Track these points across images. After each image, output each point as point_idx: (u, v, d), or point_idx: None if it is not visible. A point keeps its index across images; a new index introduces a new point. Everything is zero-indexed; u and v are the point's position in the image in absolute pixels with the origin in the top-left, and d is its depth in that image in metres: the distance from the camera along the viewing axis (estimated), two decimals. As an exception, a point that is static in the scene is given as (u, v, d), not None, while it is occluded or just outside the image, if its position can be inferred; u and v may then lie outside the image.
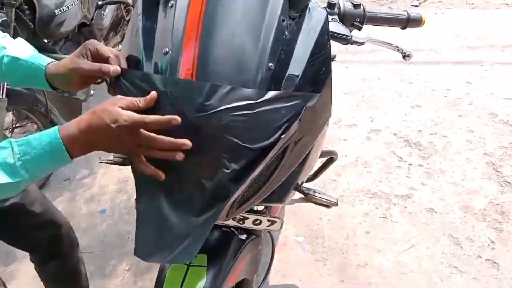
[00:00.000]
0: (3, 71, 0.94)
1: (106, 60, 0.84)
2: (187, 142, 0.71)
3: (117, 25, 3.28)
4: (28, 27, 2.26)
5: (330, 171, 2.29)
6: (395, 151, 2.45)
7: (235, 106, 0.71)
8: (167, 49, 0.77)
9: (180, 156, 0.72)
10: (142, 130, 0.72)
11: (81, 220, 2.30)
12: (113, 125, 0.71)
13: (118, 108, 0.72)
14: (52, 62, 0.91)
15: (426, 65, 3.15)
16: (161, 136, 0.72)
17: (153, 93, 0.74)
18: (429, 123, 2.61)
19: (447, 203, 2.09)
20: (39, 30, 2.32)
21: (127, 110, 0.73)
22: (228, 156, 0.73)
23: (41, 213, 1.38)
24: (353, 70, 3.23)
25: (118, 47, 3.46)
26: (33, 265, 1.52)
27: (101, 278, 2.02)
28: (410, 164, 2.35)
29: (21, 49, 0.94)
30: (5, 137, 2.29)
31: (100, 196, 2.49)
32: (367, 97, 2.91)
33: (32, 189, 1.38)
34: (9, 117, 2.31)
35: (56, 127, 0.73)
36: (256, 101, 0.72)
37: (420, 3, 4.15)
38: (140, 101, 0.74)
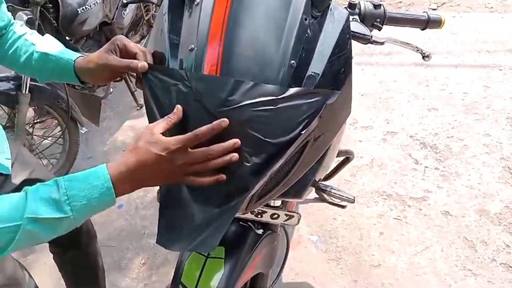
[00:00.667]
0: (33, 67, 0.97)
1: (133, 56, 0.87)
2: (237, 141, 0.73)
3: (136, 24, 3.33)
4: (51, 24, 2.32)
5: (345, 172, 2.31)
6: (411, 153, 2.45)
7: (258, 102, 0.74)
8: (193, 46, 0.80)
9: (236, 157, 0.73)
10: (191, 150, 0.72)
11: (98, 215, 2.33)
12: (165, 154, 0.71)
13: (161, 136, 0.72)
14: (80, 56, 0.94)
15: (444, 68, 3.14)
16: (213, 146, 0.72)
17: (179, 106, 0.76)
18: (445, 126, 2.61)
19: (462, 206, 2.09)
20: (62, 28, 2.37)
21: (165, 131, 0.74)
22: (249, 150, 0.75)
23: None
24: (370, 72, 3.23)
25: (137, 45, 3.51)
26: (51, 256, 1.56)
27: (117, 271, 2.06)
28: (426, 166, 2.35)
29: (50, 44, 0.98)
30: (27, 132, 2.35)
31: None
32: (384, 99, 2.91)
33: (50, 178, 1.40)
34: (30, 113, 2.37)
35: (103, 165, 0.72)
36: (278, 97, 0.74)
37: (438, 7, 4.12)
38: (171, 118, 0.75)
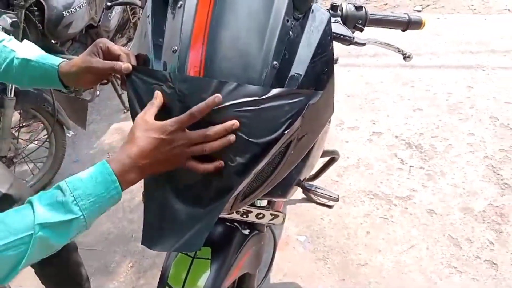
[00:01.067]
0: (13, 74, 0.95)
1: (117, 58, 0.87)
2: (235, 122, 0.73)
3: (123, 27, 3.32)
4: (37, 28, 2.31)
5: (331, 172, 2.33)
6: (396, 153, 2.48)
7: (241, 102, 0.75)
8: (176, 47, 0.81)
9: (233, 138, 0.74)
10: (189, 131, 0.73)
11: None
12: (164, 136, 0.72)
13: (155, 121, 0.73)
14: (63, 61, 0.94)
15: (428, 69, 3.18)
16: (211, 127, 0.73)
17: (158, 92, 0.77)
18: (430, 126, 2.64)
19: (447, 205, 2.12)
20: (47, 31, 2.36)
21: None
22: (233, 150, 0.76)
23: None
24: (356, 73, 3.26)
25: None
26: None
27: (105, 274, 2.05)
28: (411, 166, 2.38)
29: (30, 50, 0.96)
30: (12, 136, 2.32)
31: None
32: (370, 100, 2.94)
33: (28, 193, 1.37)
34: (15, 116, 2.35)
35: (102, 161, 0.72)
36: (261, 98, 0.75)
37: (422, 8, 4.18)
38: (154, 102, 0.76)
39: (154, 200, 0.83)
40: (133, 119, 0.85)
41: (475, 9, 4.01)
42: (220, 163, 0.75)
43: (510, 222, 1.98)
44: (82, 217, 0.67)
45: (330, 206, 2.14)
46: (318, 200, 2.16)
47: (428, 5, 4.23)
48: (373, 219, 2.10)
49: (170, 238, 0.81)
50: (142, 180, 0.82)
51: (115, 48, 0.89)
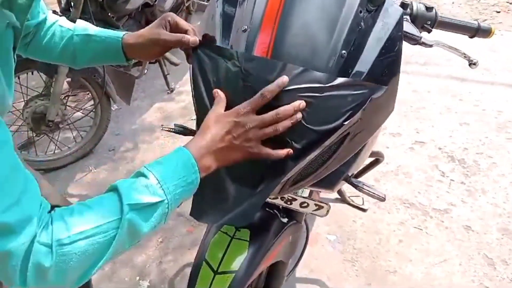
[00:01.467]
0: (72, 52, 0.96)
1: (184, 32, 0.89)
2: (302, 102, 0.74)
3: (176, 9, 3.37)
4: (97, 0, 2.37)
5: (369, 176, 2.30)
6: (438, 165, 2.42)
7: (305, 87, 0.75)
8: (246, 27, 0.81)
9: (300, 115, 0.74)
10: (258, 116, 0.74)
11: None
12: (238, 119, 0.73)
13: (225, 112, 0.75)
14: (126, 33, 0.94)
15: (479, 84, 3.09)
16: (283, 107, 0.73)
17: (216, 91, 0.79)
18: (476, 142, 2.57)
19: (485, 223, 2.06)
20: (106, 5, 2.43)
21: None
22: (290, 135, 0.76)
23: None
24: (404, 80, 3.19)
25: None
26: None
27: (135, 246, 2.08)
28: (452, 179, 2.32)
29: (88, 27, 0.96)
30: (61, 102, 2.38)
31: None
32: (415, 108, 2.88)
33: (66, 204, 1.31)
34: (64, 85, 2.42)
35: (180, 147, 0.72)
36: (325, 85, 0.75)
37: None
38: (219, 97, 0.78)
39: (206, 175, 0.84)
40: (194, 93, 0.86)
41: (535, 28, 3.87)
42: (289, 150, 0.76)
43: (551, 249, 1.90)
44: (166, 201, 0.66)
45: (364, 210, 2.13)
46: (352, 203, 2.15)
47: (485, 20, 4.10)
48: (407, 228, 2.07)
49: (217, 213, 0.83)
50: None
51: (183, 23, 0.90)
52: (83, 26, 0.97)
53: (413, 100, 2.97)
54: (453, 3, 4.29)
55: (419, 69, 3.29)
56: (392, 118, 2.75)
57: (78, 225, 0.59)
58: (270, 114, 0.74)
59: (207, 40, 0.88)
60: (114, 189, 0.66)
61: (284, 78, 0.73)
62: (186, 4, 3.44)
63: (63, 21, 0.98)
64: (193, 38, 0.85)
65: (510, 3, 4.24)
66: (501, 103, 2.88)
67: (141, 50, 0.93)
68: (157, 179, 0.66)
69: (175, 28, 0.90)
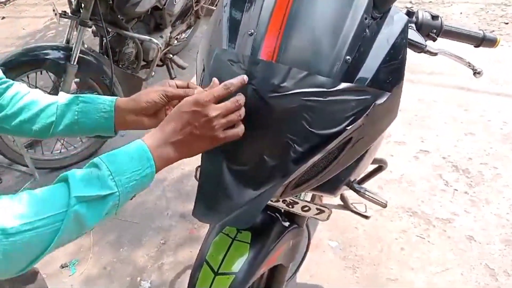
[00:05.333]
0: (55, 117, 0.89)
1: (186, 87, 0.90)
2: (244, 77, 0.76)
3: (185, 13, 3.39)
4: (107, 2, 2.40)
5: (373, 183, 2.30)
6: (442, 174, 2.42)
7: (309, 92, 0.76)
8: (252, 31, 0.82)
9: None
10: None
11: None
12: (198, 108, 0.72)
13: (185, 103, 0.74)
14: (119, 97, 0.91)
15: (485, 95, 3.08)
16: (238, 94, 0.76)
17: (214, 79, 0.79)
18: (481, 152, 2.56)
19: (488, 234, 2.05)
20: (116, 6, 2.45)
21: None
22: (294, 138, 0.77)
23: None
24: (409, 89, 3.19)
25: (181, 35, 3.59)
26: None
27: (137, 247, 2.11)
28: (455, 189, 2.31)
29: (72, 95, 0.91)
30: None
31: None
32: (420, 117, 2.88)
33: None
34: (72, 86, 2.44)
35: (138, 139, 0.72)
36: (329, 90, 0.76)
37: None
38: (212, 87, 0.78)
39: (209, 176, 0.85)
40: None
41: (543, 41, 3.85)
42: (241, 127, 0.77)
43: (553, 262, 1.89)
44: (117, 193, 0.65)
45: (366, 217, 2.13)
46: (354, 209, 2.15)
47: (493, 31, 4.09)
48: (409, 236, 2.06)
49: (219, 213, 0.83)
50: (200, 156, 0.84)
51: (182, 82, 0.91)
52: (66, 96, 0.92)
53: (418, 109, 2.97)
54: (461, 13, 4.28)
55: (425, 78, 3.29)
56: (397, 127, 2.77)
57: (25, 216, 0.59)
58: (232, 101, 0.75)
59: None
60: (64, 179, 0.65)
61: (245, 77, 0.76)
62: (195, 9, 3.46)
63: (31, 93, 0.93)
64: (198, 89, 0.86)
65: (519, 15, 4.23)
66: (506, 114, 2.87)
67: (141, 110, 0.89)
68: (109, 171, 0.65)
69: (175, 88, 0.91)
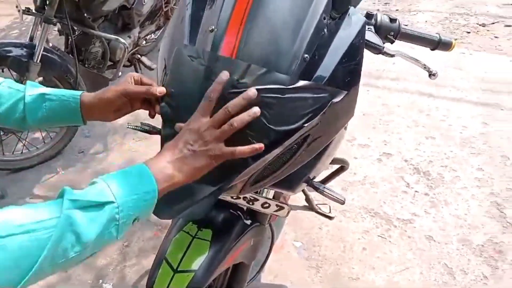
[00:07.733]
0: (24, 113, 0.88)
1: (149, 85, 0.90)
2: (253, 90, 0.76)
3: (154, 14, 3.37)
4: (73, 0, 2.35)
5: (336, 185, 2.34)
6: (403, 176, 2.48)
7: (267, 88, 0.77)
8: (213, 27, 0.83)
9: (257, 109, 0.76)
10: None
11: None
12: (188, 127, 0.75)
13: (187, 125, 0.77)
14: (83, 92, 0.91)
15: (446, 101, 3.18)
16: (231, 101, 0.75)
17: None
18: (441, 155, 2.65)
19: (446, 234, 2.12)
20: (82, 4, 2.41)
21: None
22: (252, 133, 0.78)
23: None
24: (374, 94, 3.27)
25: (150, 36, 3.55)
26: None
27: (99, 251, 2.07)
28: (416, 191, 2.38)
29: (40, 87, 0.91)
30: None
31: (110, 172, 2.55)
32: (384, 121, 2.96)
33: None
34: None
35: (142, 163, 0.71)
36: (287, 87, 0.77)
37: (450, 41, 4.17)
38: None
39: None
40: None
41: (501, 50, 4.00)
42: (259, 145, 0.77)
43: (507, 260, 1.97)
44: (115, 204, 0.62)
45: (330, 218, 2.17)
46: (319, 210, 2.19)
47: (456, 39, 4.24)
48: (371, 236, 2.11)
49: (178, 209, 0.83)
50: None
51: (147, 79, 0.92)
52: (36, 86, 0.91)
53: (382, 113, 3.05)
54: (426, 21, 4.41)
55: (390, 84, 3.38)
56: (362, 130, 2.83)
57: (17, 219, 0.55)
58: (220, 112, 0.75)
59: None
60: (60, 195, 0.62)
61: (223, 74, 0.76)
62: (165, 10, 3.44)
63: (11, 83, 0.90)
64: (160, 88, 0.86)
65: (480, 25, 4.40)
66: (466, 119, 2.98)
67: (103, 107, 0.90)
68: (106, 183, 0.64)
69: (139, 83, 0.91)
